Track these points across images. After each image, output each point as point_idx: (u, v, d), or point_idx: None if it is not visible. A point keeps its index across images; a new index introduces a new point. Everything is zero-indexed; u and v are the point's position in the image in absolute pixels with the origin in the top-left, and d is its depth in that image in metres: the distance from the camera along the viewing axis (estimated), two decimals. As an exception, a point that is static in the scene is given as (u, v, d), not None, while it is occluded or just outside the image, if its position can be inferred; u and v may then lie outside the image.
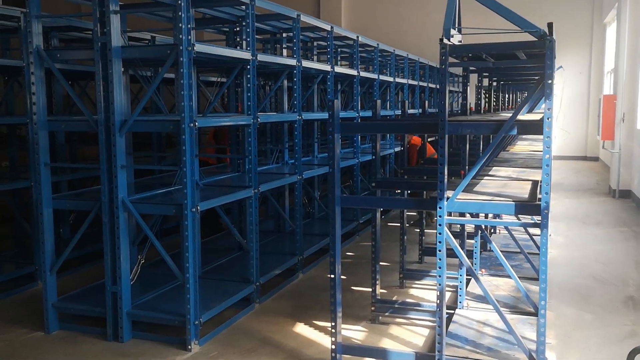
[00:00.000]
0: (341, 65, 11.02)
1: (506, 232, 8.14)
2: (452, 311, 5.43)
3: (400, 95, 12.73)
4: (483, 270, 6.59)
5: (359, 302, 6.25)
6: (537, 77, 6.79)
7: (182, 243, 4.96)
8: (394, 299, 6.28)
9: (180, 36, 4.69)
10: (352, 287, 6.79)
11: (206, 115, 6.01)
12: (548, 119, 3.84)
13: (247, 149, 5.98)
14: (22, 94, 6.98)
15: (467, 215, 5.60)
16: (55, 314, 5.48)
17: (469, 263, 4.48)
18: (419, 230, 7.83)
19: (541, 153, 4.24)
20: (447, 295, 6.45)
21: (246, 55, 5.78)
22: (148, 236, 5.22)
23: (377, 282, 5.72)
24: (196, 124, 4.91)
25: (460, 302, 5.51)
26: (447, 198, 4.19)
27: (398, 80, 11.52)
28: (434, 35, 20.15)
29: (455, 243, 4.33)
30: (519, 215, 4.94)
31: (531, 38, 4.12)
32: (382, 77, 10.31)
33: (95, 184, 8.40)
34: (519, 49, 4.61)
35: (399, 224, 10.62)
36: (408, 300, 6.18)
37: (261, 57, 6.02)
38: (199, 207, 4.97)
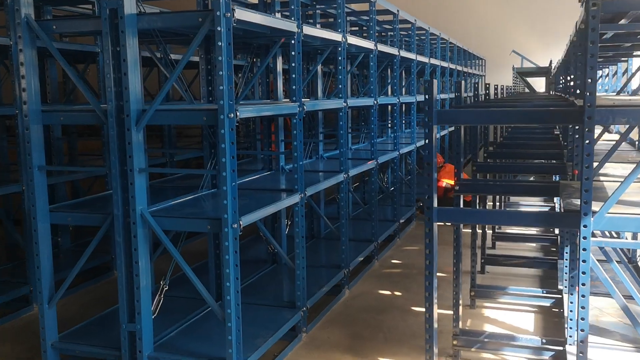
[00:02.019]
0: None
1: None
2: (559, 347, 4.30)
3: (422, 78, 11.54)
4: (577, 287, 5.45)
5: (428, 330, 5.11)
6: None
7: (222, 267, 3.83)
8: (470, 326, 5.16)
9: (218, -2, 3.51)
10: (413, 308, 5.66)
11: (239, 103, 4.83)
12: None
13: (293, 143, 4.81)
14: (10, 79, 5.78)
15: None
16: (57, 357, 4.33)
17: (622, 299, 3.34)
18: (470, 230, 6.68)
19: None
20: (528, 317, 5.33)
21: (292, 26, 4.59)
22: (174, 258, 4.05)
23: (459, 307, 4.60)
24: (238, 114, 3.74)
25: (570, 336, 4.37)
26: (594, 213, 3.05)
27: (433, 61, 10.33)
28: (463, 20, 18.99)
29: (602, 272, 3.19)
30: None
31: None
32: (419, 58, 9.12)
33: (102, 187, 7.23)
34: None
35: (440, 223, 9.47)
36: (497, 331, 5.03)
37: (307, 30, 4.84)
38: (241, 223, 3.81)
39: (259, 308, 5.00)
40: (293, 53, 4.71)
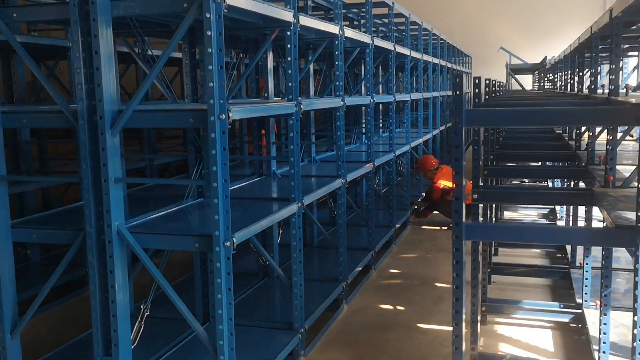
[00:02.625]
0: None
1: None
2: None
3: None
4: (597, 301, 5.04)
5: (438, 351, 4.65)
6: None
7: (210, 288, 3.31)
8: (484, 345, 4.70)
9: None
10: (419, 325, 5.19)
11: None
12: None
13: (289, 146, 4.31)
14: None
15: None
16: (22, 394, 3.78)
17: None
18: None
19: None
20: (545, 334, 4.89)
21: (288, 16, 4.08)
22: (156, 279, 3.52)
23: (477, 325, 4.15)
24: (230, 115, 3.23)
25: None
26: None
27: (426, 58, 9.89)
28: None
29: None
30: None
31: None
32: (413, 54, 8.67)
33: (76, 194, 6.64)
34: None
35: (436, 227, 9.33)
36: (518, 353, 4.56)
37: (304, 21, 4.34)
38: (235, 240, 3.30)
39: (250, 330, 4.49)
40: (289, 46, 4.21)
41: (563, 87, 8.93)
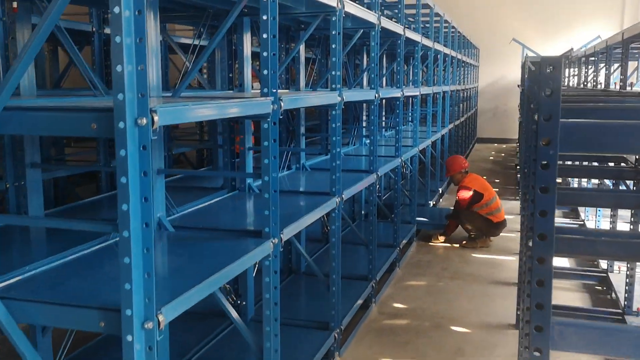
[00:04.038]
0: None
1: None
2: None
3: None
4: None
5: None
6: None
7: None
8: None
9: None
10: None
11: (177, 95, 3.04)
12: None
13: (263, 160, 3.05)
14: None
15: None
16: None
17: None
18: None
19: None
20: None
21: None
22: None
23: None
24: (155, 119, 1.98)
25: None
26: None
27: (437, 47, 8.62)
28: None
29: None
30: None
31: None
32: (424, 42, 7.40)
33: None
34: None
35: (447, 243, 7.64)
36: None
37: None
38: (162, 319, 2.06)
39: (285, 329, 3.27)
40: (265, 17, 2.94)
41: (603, 84, 7.70)
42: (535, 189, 1.54)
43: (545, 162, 1.54)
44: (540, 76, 1.51)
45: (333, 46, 4.04)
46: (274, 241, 3.08)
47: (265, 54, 2.94)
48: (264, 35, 2.93)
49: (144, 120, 1.95)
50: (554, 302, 1.66)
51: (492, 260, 6.91)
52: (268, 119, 2.96)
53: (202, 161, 9.43)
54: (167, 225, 3.23)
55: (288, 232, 3.25)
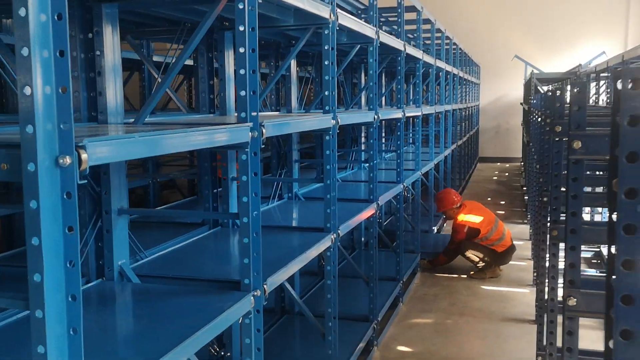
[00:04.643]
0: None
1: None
2: None
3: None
4: None
5: None
6: None
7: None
8: None
9: None
10: None
11: (140, 122, 2.56)
12: None
13: (241, 198, 2.55)
14: None
15: None
16: None
17: None
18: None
19: None
20: None
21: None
22: None
23: None
24: (82, 157, 1.49)
25: None
26: None
27: (439, 64, 8.17)
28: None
29: None
30: None
31: None
32: (425, 58, 6.95)
33: None
34: None
35: (452, 274, 6.95)
36: None
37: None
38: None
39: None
40: (242, 28, 2.45)
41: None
42: (619, 194, 1.06)
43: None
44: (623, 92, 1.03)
45: (326, 63, 3.57)
46: (255, 294, 2.57)
47: (242, 71, 2.46)
48: (241, 50, 2.45)
49: (67, 160, 1.47)
50: None
51: (502, 293, 6.38)
52: (246, 149, 2.46)
53: (193, 188, 8.93)
54: (131, 275, 2.73)
55: (273, 282, 2.74)
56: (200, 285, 2.74)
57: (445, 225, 9.39)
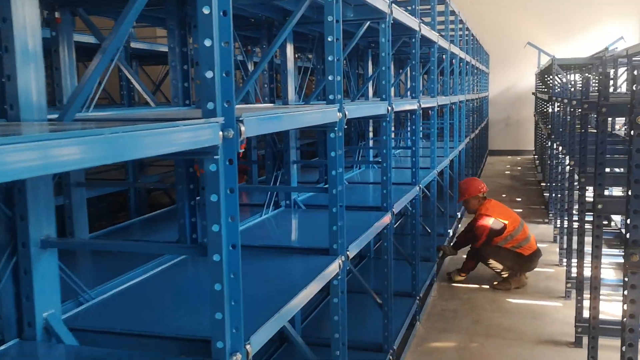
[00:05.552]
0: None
1: None
2: None
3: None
4: None
5: None
6: None
7: None
8: None
9: None
10: None
11: (69, 119, 1.79)
12: None
13: (211, 226, 1.78)
14: None
15: None
16: None
17: None
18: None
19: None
20: None
21: None
22: None
23: None
24: None
25: None
26: None
27: (453, 49, 7.36)
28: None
29: None
30: None
31: None
32: (440, 42, 6.15)
33: None
34: None
35: (473, 284, 6.15)
36: None
37: None
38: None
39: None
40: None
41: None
42: None
43: None
44: None
45: (329, 39, 2.79)
46: (235, 358, 1.80)
47: (208, 42, 1.67)
48: (205, 10, 1.67)
49: None
50: None
51: (532, 307, 5.60)
52: (216, 156, 1.69)
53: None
54: (61, 331, 1.97)
55: (258, 339, 1.96)
56: (160, 344, 1.97)
57: (459, 226, 8.60)
